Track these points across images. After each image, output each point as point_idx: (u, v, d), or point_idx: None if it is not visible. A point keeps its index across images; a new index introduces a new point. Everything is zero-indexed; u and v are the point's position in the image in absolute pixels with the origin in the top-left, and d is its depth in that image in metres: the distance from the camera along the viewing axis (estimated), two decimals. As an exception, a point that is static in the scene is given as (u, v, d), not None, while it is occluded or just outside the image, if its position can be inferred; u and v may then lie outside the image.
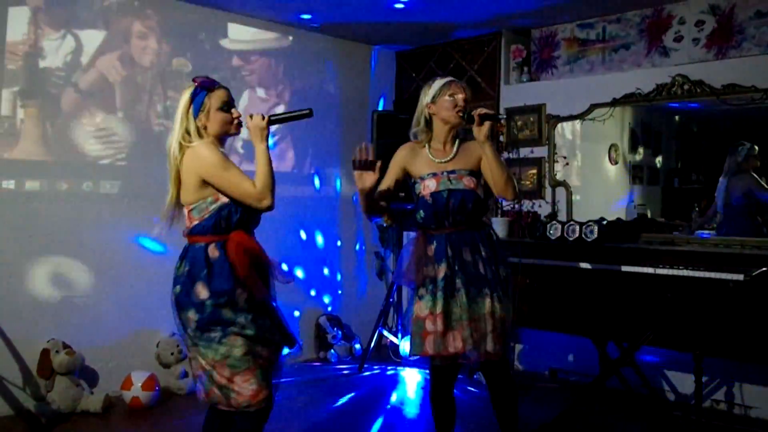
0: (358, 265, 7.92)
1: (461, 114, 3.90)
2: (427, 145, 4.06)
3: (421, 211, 3.97)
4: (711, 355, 4.98)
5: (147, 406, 5.64)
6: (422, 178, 3.99)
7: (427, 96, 4.02)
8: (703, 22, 6.03)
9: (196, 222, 3.42)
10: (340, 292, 7.72)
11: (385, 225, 7.87)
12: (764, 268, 4.65)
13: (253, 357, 3.35)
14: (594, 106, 6.48)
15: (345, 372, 6.89)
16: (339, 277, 7.72)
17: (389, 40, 7.75)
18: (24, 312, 5.49)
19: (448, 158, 3.99)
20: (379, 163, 3.88)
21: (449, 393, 4.07)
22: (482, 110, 3.84)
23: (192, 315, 3.36)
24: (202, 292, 3.34)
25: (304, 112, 3.54)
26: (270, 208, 3.38)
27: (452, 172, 3.94)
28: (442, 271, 3.86)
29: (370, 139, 7.19)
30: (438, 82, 4.00)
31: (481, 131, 3.81)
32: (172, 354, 6.04)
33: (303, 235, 7.27)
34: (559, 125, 6.73)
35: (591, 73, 6.71)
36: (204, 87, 3.43)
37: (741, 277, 4.48)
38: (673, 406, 5.59)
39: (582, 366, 6.44)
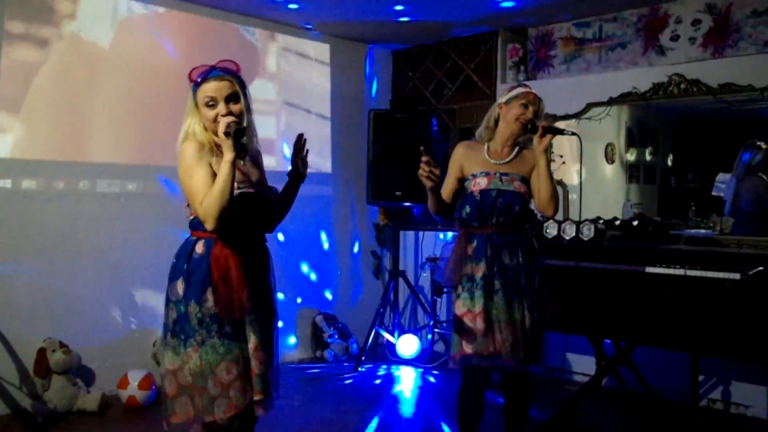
0: (355, 264, 7.92)
1: (524, 124, 3.91)
2: (486, 145, 4.08)
3: (467, 207, 3.97)
4: (707, 354, 4.97)
5: (143, 405, 5.63)
6: (474, 176, 4.00)
7: (503, 97, 4.05)
8: (699, 21, 6.03)
9: (192, 216, 3.23)
10: (336, 291, 7.72)
11: (381, 224, 7.88)
12: (761, 268, 4.64)
13: (204, 381, 3.12)
14: (590, 105, 6.48)
15: (341, 371, 6.88)
16: (336, 276, 7.72)
17: (385, 39, 7.75)
18: (20, 311, 5.49)
19: (504, 161, 4.01)
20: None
21: (481, 394, 4.02)
22: (547, 122, 3.91)
23: (167, 312, 3.22)
24: (180, 288, 3.18)
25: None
26: (213, 231, 3.09)
27: (505, 174, 3.97)
28: (480, 270, 3.88)
29: (367, 138, 7.20)
30: (519, 89, 4.02)
31: (541, 143, 3.85)
32: (168, 353, 6.03)
33: (299, 234, 7.26)
34: (555, 124, 6.71)
35: (587, 72, 6.71)
36: (193, 80, 3.20)
37: (737, 276, 4.48)
38: (669, 405, 5.59)
39: (578, 365, 6.44)
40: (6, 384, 5.38)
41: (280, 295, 7.12)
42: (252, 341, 3.18)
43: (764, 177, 6.11)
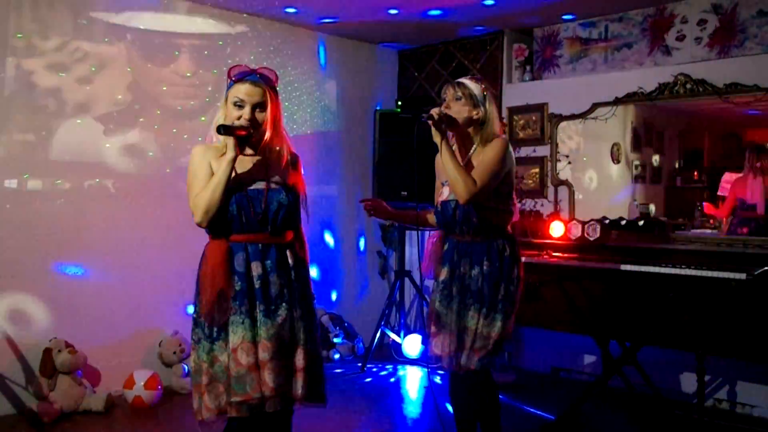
0: (361, 263, 7.92)
1: (426, 116, 3.69)
2: None
3: (435, 217, 4.01)
4: (713, 354, 4.98)
5: (149, 405, 5.64)
6: (443, 184, 3.93)
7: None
8: (705, 21, 6.02)
9: None
10: (342, 291, 7.73)
11: (387, 224, 7.87)
12: (767, 267, 4.64)
13: (202, 377, 3.19)
14: (596, 105, 6.48)
15: (347, 371, 6.89)
16: (341, 276, 7.72)
17: (391, 39, 7.75)
18: (26, 311, 5.50)
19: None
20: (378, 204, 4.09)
21: (464, 392, 4.03)
22: (437, 110, 3.72)
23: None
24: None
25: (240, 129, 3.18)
26: (199, 225, 3.18)
27: None
28: (444, 273, 3.89)
29: (373, 137, 7.19)
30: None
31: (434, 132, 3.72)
32: (174, 353, 6.04)
33: (304, 233, 7.25)
34: (561, 124, 6.73)
35: (593, 72, 6.70)
36: (231, 77, 3.26)
37: (743, 276, 4.47)
38: (675, 405, 5.58)
39: (584, 365, 6.44)
40: (12, 384, 5.40)
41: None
42: (232, 342, 3.15)
43: None
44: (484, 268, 3.77)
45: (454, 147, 3.83)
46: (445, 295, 3.86)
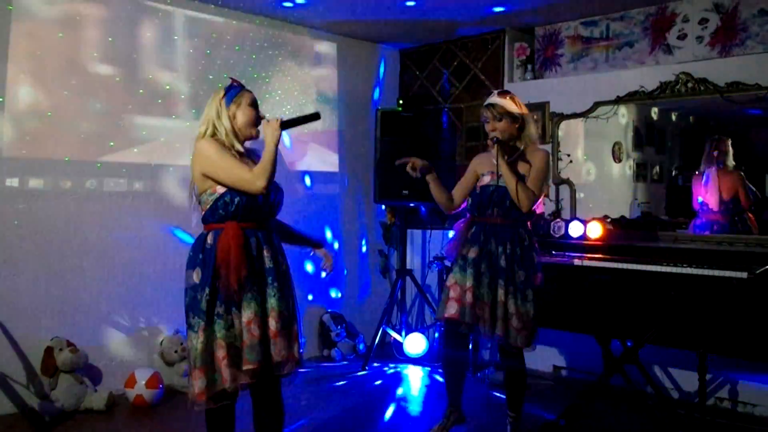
0: (362, 262, 7.92)
1: (492, 141, 4.49)
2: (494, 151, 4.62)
3: (470, 199, 4.72)
4: (715, 353, 4.97)
5: (150, 404, 5.65)
6: (483, 175, 4.65)
7: None
8: (707, 20, 6.02)
9: (203, 212, 3.66)
10: (344, 289, 7.72)
11: (388, 223, 7.87)
12: (768, 266, 4.64)
13: (210, 357, 3.50)
14: (598, 104, 6.48)
15: (349, 370, 6.88)
16: (343, 274, 7.72)
17: (393, 38, 7.75)
18: (27, 310, 5.50)
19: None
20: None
21: (462, 356, 4.88)
22: (494, 134, 4.51)
23: (185, 298, 3.60)
24: (195, 277, 3.55)
25: (313, 114, 3.85)
26: (261, 190, 3.52)
27: None
28: (473, 252, 4.53)
29: (374, 136, 7.19)
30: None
31: (494, 150, 4.48)
32: (175, 352, 6.04)
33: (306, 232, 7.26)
34: (562, 123, 6.72)
35: (595, 71, 6.70)
36: (239, 85, 3.76)
37: (745, 275, 4.48)
38: (676, 404, 5.58)
39: (586, 364, 6.43)
40: (13, 383, 5.40)
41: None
42: (246, 316, 3.52)
43: (741, 173, 6.08)
44: (509, 250, 4.47)
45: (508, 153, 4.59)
46: (477, 270, 4.48)
